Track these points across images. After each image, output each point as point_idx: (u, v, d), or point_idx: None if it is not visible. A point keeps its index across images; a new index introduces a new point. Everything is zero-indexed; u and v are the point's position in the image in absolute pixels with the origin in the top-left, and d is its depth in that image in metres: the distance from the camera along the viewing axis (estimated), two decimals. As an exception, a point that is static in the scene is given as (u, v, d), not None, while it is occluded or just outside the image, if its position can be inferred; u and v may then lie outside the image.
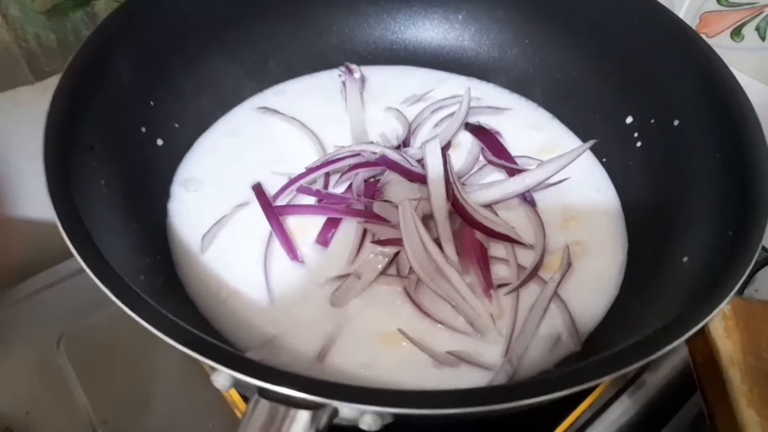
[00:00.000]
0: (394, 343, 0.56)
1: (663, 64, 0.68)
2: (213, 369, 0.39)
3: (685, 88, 0.65)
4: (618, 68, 0.72)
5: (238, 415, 0.64)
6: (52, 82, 0.77)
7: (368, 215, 0.62)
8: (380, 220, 0.61)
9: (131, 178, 0.61)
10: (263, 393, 0.38)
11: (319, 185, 0.67)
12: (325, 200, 0.64)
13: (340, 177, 0.67)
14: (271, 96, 0.79)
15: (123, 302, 0.41)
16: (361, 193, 0.63)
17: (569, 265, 0.60)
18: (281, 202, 0.66)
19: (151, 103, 0.67)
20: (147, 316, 0.40)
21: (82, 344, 0.70)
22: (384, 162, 0.64)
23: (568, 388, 0.40)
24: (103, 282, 0.42)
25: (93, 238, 0.46)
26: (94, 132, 0.57)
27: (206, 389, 0.67)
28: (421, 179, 0.63)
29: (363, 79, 0.80)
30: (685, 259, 0.56)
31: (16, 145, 0.79)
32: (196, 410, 0.67)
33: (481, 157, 0.71)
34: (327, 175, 0.67)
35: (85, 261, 0.43)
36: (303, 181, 0.65)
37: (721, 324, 0.51)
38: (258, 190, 0.66)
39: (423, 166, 0.64)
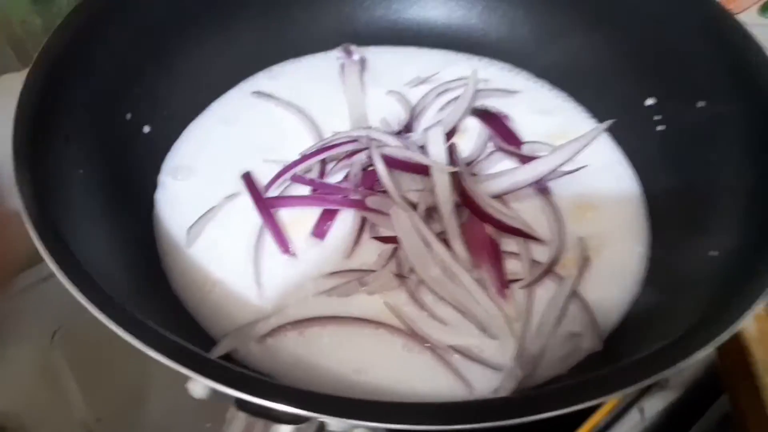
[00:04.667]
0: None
1: (686, 41, 0.62)
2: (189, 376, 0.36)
3: (711, 67, 0.60)
4: (637, 46, 0.67)
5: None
6: (39, 69, 0.72)
7: (366, 207, 0.58)
8: (378, 213, 0.57)
9: (114, 167, 0.58)
10: (242, 405, 0.34)
11: (314, 174, 0.62)
12: (320, 190, 0.60)
13: (336, 164, 0.63)
14: (264, 80, 0.74)
15: (92, 303, 0.37)
16: (359, 183, 0.59)
17: (586, 259, 0.55)
18: (274, 192, 0.61)
19: (136, 89, 0.63)
20: (117, 319, 0.37)
21: (78, 340, 0.67)
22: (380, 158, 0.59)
23: (590, 400, 0.36)
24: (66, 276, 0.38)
25: (65, 231, 0.43)
26: (71, 120, 0.53)
27: (202, 388, 0.64)
28: (423, 171, 0.59)
29: (363, 61, 0.75)
30: (713, 253, 0.51)
31: (3, 134, 0.76)
32: (194, 409, 0.62)
33: (490, 144, 0.66)
34: (323, 162, 0.63)
35: (51, 258, 0.39)
36: (297, 169, 0.61)
37: (754, 326, 0.47)
38: (248, 179, 0.62)
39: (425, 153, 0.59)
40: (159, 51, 0.65)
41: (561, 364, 0.51)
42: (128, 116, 0.62)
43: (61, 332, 0.67)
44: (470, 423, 0.33)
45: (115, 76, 0.60)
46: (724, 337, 0.39)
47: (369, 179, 0.59)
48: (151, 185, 0.62)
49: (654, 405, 0.62)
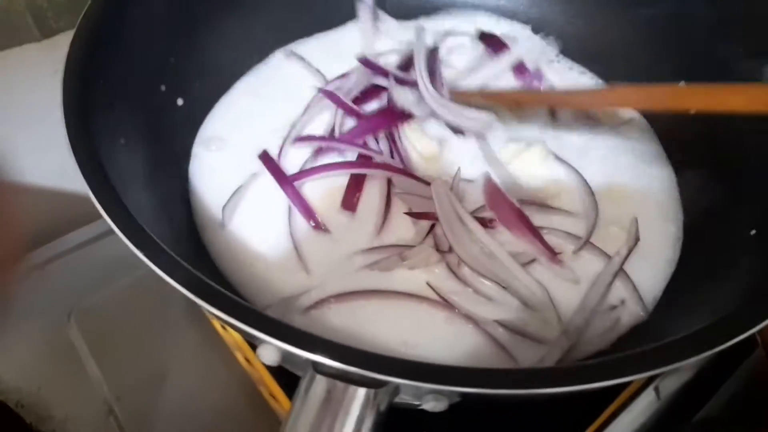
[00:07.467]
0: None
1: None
2: (259, 342, 0.36)
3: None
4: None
5: (263, 391, 0.61)
6: (61, 40, 0.72)
7: (391, 168, 0.59)
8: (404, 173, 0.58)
9: (152, 138, 0.57)
10: (318, 368, 0.35)
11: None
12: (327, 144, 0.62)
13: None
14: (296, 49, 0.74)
15: (167, 273, 0.37)
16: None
17: (637, 239, 0.57)
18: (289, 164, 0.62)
19: (171, 59, 0.62)
20: (193, 287, 0.36)
21: (95, 317, 0.67)
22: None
23: (632, 374, 0.36)
24: (142, 250, 0.38)
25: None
26: (112, 88, 0.52)
27: (225, 364, 0.64)
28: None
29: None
30: (753, 232, 0.52)
31: (22, 107, 0.74)
32: (216, 386, 0.64)
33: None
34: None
35: (116, 223, 0.39)
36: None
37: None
38: (266, 157, 0.62)
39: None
40: (190, 24, 0.64)
41: (604, 338, 0.52)
42: (163, 88, 0.61)
43: (78, 310, 0.67)
44: (550, 387, 0.34)
45: (149, 47, 0.59)
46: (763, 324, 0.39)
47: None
48: (187, 158, 0.62)
49: (668, 385, 0.63)
